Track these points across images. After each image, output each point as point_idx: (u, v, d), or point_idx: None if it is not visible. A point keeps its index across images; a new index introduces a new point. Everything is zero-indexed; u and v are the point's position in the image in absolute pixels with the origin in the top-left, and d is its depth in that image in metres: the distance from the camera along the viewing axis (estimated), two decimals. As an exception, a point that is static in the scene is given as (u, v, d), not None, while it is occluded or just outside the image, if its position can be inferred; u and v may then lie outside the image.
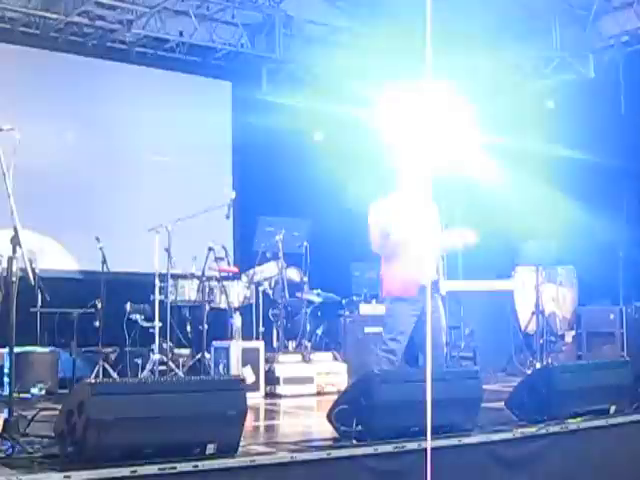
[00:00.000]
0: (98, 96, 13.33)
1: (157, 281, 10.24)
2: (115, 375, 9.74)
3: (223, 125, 14.86)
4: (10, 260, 5.63)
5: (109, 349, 10.17)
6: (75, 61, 13.39)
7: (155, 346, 10.18)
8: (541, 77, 14.43)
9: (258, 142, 14.52)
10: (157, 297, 10.21)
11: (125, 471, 4.60)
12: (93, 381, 5.05)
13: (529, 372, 11.44)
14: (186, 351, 10.86)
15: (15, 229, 5.67)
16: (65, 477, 4.46)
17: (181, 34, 13.72)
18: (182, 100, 14.11)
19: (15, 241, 5.65)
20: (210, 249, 10.34)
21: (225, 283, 10.62)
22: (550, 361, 11.58)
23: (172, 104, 13.94)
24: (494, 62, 14.31)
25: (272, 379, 9.97)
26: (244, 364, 9.75)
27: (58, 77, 13.14)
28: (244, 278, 10.86)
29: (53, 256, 11.92)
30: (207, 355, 10.10)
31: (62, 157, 13.03)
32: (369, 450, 5.58)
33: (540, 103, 14.31)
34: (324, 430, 6.19)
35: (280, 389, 9.88)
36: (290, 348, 11.02)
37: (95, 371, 9.61)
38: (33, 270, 6.31)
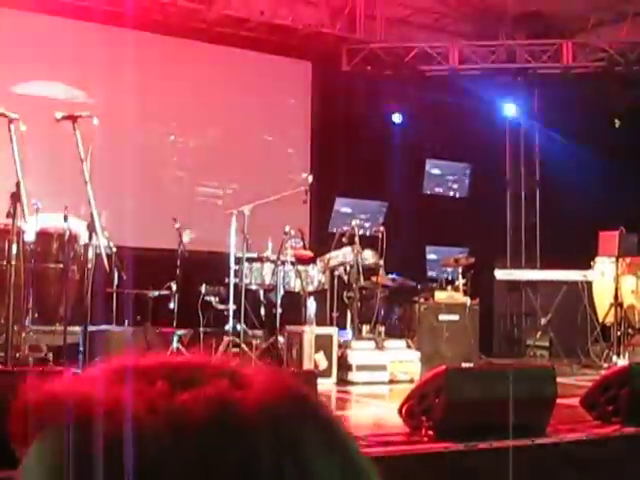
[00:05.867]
0: (178, 76, 13.37)
1: (232, 264, 10.25)
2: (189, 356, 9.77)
3: (303, 106, 14.80)
4: (86, 247, 5.69)
5: (183, 330, 10.20)
6: (156, 40, 13.42)
7: (229, 328, 10.21)
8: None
9: (337, 123, 14.48)
10: (232, 280, 10.23)
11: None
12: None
13: (605, 365, 11.28)
14: (259, 333, 10.87)
15: (92, 216, 5.72)
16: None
17: (262, 13, 13.72)
18: (261, 81, 14.09)
19: (91, 228, 5.70)
20: (286, 233, 10.34)
21: (300, 268, 10.60)
22: (627, 357, 11.36)
23: (252, 85, 13.94)
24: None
25: (345, 365, 9.91)
26: (317, 350, 9.72)
27: (139, 56, 13.18)
28: (319, 263, 10.83)
29: (130, 234, 11.98)
30: (280, 339, 10.09)
31: (139, 137, 13.09)
32: (439, 448, 5.53)
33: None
34: (395, 424, 6.15)
35: (352, 376, 9.82)
36: (364, 332, 10.97)
37: (169, 352, 9.64)
38: (109, 257, 6.37)
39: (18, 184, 5.62)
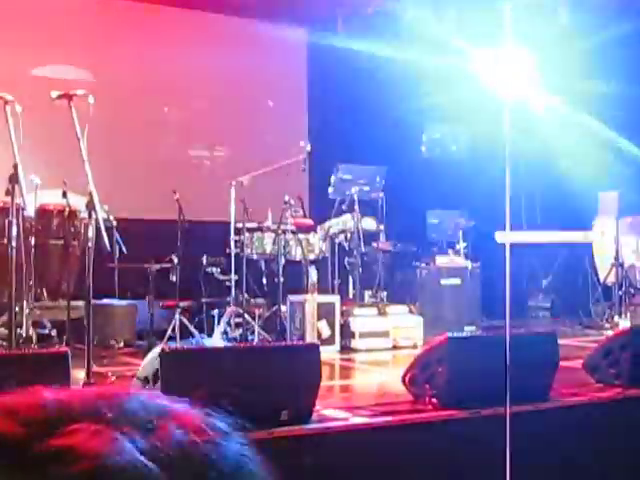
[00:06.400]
0: (172, 45, 13.28)
1: (233, 234, 10.26)
2: (192, 328, 9.80)
3: (298, 73, 14.73)
4: (86, 225, 5.70)
5: (186, 302, 10.22)
6: (150, 10, 13.35)
7: (231, 298, 10.24)
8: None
9: (334, 89, 14.43)
10: (233, 250, 10.24)
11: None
12: (167, 349, 5.08)
13: (607, 326, 11.33)
14: (262, 302, 10.89)
15: (90, 194, 5.72)
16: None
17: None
18: (256, 48, 13.99)
19: (91, 206, 5.71)
20: (286, 202, 10.32)
21: (301, 236, 10.59)
22: (629, 317, 11.39)
23: (247, 53, 13.84)
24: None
25: (347, 333, 9.95)
26: (320, 318, 9.75)
27: (131, 26, 13.11)
28: (320, 231, 10.82)
29: (130, 205, 11.95)
30: (283, 308, 10.11)
31: (133, 107, 13.04)
32: (443, 416, 5.56)
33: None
34: (399, 392, 6.18)
35: (355, 343, 9.86)
36: (366, 297, 11.01)
37: (172, 324, 9.67)
38: (109, 230, 6.38)
39: (15, 166, 5.62)
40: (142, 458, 0.77)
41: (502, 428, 5.67)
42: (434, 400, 5.75)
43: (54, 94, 5.95)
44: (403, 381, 6.02)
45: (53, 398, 0.83)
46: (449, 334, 5.99)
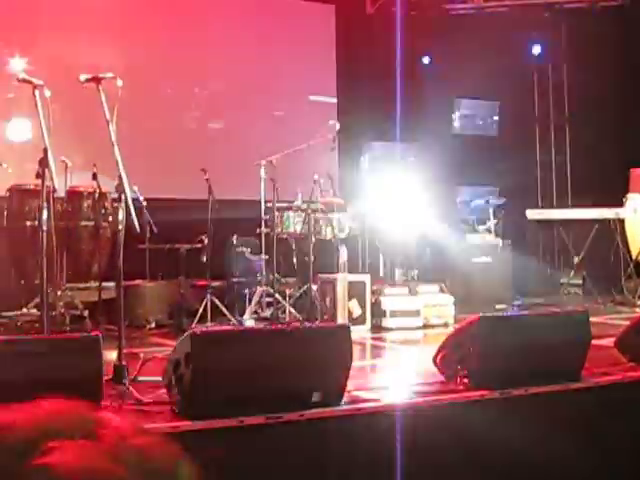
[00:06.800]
0: (198, 23, 13.27)
1: (263, 214, 10.27)
2: (223, 308, 9.82)
3: (327, 51, 14.66)
4: (116, 209, 5.71)
5: (217, 282, 10.24)
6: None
7: (262, 278, 10.26)
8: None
9: (363, 67, 14.37)
10: (263, 230, 10.25)
11: (233, 421, 4.65)
12: (199, 331, 5.08)
13: (639, 303, 11.25)
14: (292, 281, 10.90)
15: (120, 177, 5.74)
16: (173, 428, 4.53)
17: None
18: (285, 26, 13.95)
19: (120, 189, 5.72)
20: (315, 181, 10.30)
21: (331, 215, 10.58)
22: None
23: (275, 31, 13.81)
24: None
25: (378, 312, 9.93)
26: (350, 297, 9.74)
27: (158, 6, 13.10)
28: (350, 210, 10.81)
29: (160, 185, 11.99)
30: (313, 287, 10.10)
31: (161, 88, 13.04)
32: (475, 396, 5.55)
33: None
34: (429, 372, 6.15)
35: (386, 322, 9.84)
36: (397, 276, 10.98)
37: (203, 304, 9.69)
38: (139, 210, 6.41)
39: (45, 150, 5.64)
40: (113, 465, 0.80)
41: (533, 408, 5.68)
42: (465, 380, 5.73)
43: (82, 77, 5.95)
44: (434, 361, 6.01)
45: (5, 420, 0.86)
46: (481, 314, 5.97)
